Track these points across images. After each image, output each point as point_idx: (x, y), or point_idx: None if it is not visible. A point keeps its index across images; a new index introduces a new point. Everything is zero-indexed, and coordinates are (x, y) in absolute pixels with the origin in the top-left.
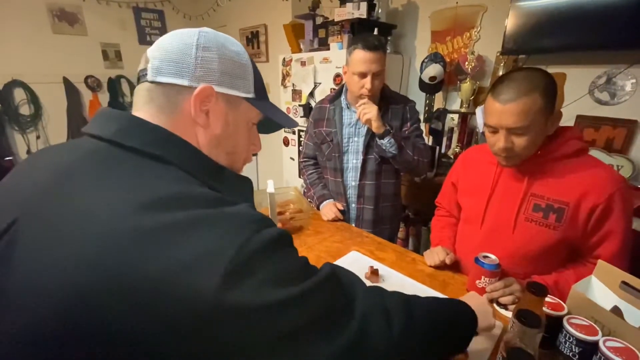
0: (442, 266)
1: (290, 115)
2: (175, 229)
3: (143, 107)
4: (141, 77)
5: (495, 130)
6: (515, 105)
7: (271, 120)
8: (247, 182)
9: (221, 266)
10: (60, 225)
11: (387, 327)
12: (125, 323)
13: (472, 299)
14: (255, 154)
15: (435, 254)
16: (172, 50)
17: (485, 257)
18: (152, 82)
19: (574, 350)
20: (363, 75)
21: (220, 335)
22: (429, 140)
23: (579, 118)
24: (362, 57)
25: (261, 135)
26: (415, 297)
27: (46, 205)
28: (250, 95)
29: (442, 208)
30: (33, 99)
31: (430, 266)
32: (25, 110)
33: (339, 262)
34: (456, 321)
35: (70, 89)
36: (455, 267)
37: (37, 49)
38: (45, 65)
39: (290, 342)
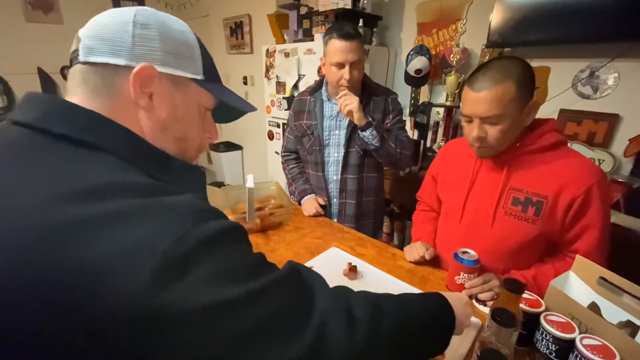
0: (421, 261)
1: (274, 108)
2: (99, 221)
3: (76, 91)
4: (73, 59)
5: (470, 120)
6: (488, 93)
7: (227, 107)
8: (198, 172)
9: (152, 262)
10: None
11: (350, 334)
12: (42, 328)
13: (450, 295)
14: (237, 148)
15: (415, 250)
16: (106, 28)
17: (464, 252)
18: (84, 63)
19: (550, 347)
20: (341, 66)
21: (153, 342)
22: (414, 134)
23: (562, 112)
24: (338, 46)
25: (246, 130)
26: (386, 298)
27: None
28: (199, 77)
29: (423, 202)
30: (6, 90)
31: (410, 262)
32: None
33: (318, 258)
34: (432, 321)
35: (45, 80)
36: (435, 262)
37: (9, 38)
38: (18, 55)
39: (235, 349)
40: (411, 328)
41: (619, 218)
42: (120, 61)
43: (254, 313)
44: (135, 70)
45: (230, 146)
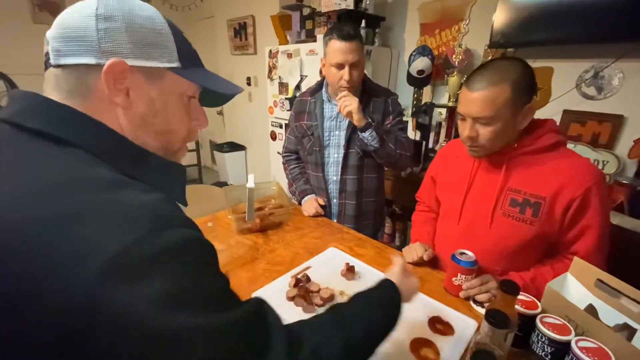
0: (420, 262)
1: (277, 109)
2: (44, 222)
3: (52, 95)
4: (46, 62)
5: (464, 118)
6: (482, 94)
7: (212, 90)
8: (177, 169)
9: (96, 267)
10: None
11: None
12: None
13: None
14: (240, 148)
15: (414, 250)
16: (69, 26)
17: (462, 254)
18: (56, 66)
19: (546, 349)
20: (340, 67)
21: (104, 349)
22: (416, 135)
23: (566, 112)
24: (337, 47)
25: (249, 130)
26: (329, 332)
27: None
28: (175, 65)
29: (423, 203)
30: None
31: (409, 262)
32: (5, 102)
33: (316, 258)
34: (381, 326)
35: None
36: (434, 263)
37: (17, 40)
38: (25, 56)
39: None
40: (360, 348)
41: (622, 220)
42: (90, 60)
43: (199, 352)
44: (105, 67)
45: (234, 146)
